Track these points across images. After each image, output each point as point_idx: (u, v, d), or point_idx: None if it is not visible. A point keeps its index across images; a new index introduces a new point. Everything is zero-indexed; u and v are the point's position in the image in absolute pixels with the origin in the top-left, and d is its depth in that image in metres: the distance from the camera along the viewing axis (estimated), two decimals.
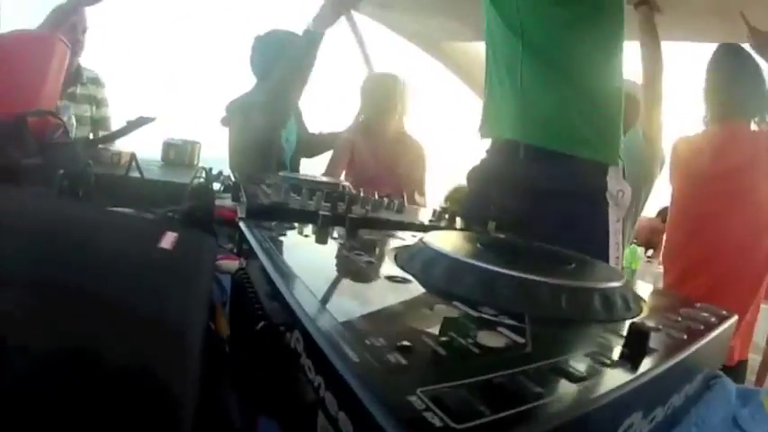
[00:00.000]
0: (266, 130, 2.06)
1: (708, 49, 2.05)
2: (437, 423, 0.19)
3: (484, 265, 0.39)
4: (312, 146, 2.48)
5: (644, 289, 0.52)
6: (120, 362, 0.25)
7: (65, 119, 1.18)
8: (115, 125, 2.52)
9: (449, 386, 0.22)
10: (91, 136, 2.25)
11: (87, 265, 0.35)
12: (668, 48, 1.91)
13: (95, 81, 2.44)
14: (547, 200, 1.16)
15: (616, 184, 1.18)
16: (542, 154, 1.20)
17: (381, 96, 2.34)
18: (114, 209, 0.62)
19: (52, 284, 0.30)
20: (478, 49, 3.58)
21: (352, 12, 3.31)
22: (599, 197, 1.17)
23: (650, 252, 4.11)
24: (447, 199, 3.02)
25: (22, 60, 1.11)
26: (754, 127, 1.87)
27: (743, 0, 2.01)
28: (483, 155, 1.40)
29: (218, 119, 2.23)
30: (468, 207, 1.34)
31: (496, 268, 0.39)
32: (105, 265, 0.36)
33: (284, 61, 1.99)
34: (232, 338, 0.43)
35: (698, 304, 0.49)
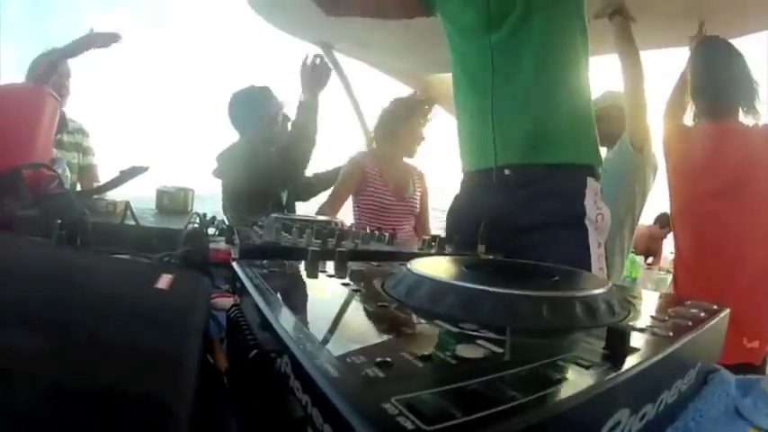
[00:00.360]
0: (262, 181, 2.14)
1: (684, 53, 2.09)
2: (409, 426, 0.20)
3: (463, 284, 0.41)
4: (310, 187, 2.50)
5: (635, 293, 0.53)
6: (123, 389, 0.26)
7: (59, 171, 1.21)
8: (102, 173, 2.59)
9: (422, 393, 0.23)
10: (78, 183, 2.30)
11: (89, 306, 0.37)
12: (646, 56, 1.94)
13: (80, 131, 2.55)
14: (525, 234, 1.18)
15: (594, 209, 1.19)
16: (516, 178, 1.23)
17: (402, 121, 2.35)
18: (112, 255, 0.64)
19: (56, 325, 0.32)
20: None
21: (334, 52, 3.39)
22: (578, 223, 1.18)
23: (650, 259, 4.12)
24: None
25: (13, 114, 1.14)
26: (742, 117, 1.88)
27: (712, 1, 2.08)
28: (458, 189, 1.44)
29: (208, 169, 2.28)
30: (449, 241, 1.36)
31: (475, 286, 0.41)
32: (106, 305, 0.38)
33: (294, 130, 2.17)
34: (230, 371, 0.44)
35: (688, 302, 0.50)
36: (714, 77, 1.91)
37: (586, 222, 1.17)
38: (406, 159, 2.45)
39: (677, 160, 1.97)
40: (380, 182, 2.31)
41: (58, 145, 2.31)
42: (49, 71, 1.90)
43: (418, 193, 2.46)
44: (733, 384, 0.46)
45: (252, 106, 2.26)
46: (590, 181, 1.20)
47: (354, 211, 2.39)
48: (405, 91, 2.56)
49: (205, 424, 0.33)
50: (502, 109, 1.24)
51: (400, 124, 2.35)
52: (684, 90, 2.03)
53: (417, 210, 2.46)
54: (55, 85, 2.05)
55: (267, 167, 2.18)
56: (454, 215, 1.43)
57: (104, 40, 1.93)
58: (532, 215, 1.20)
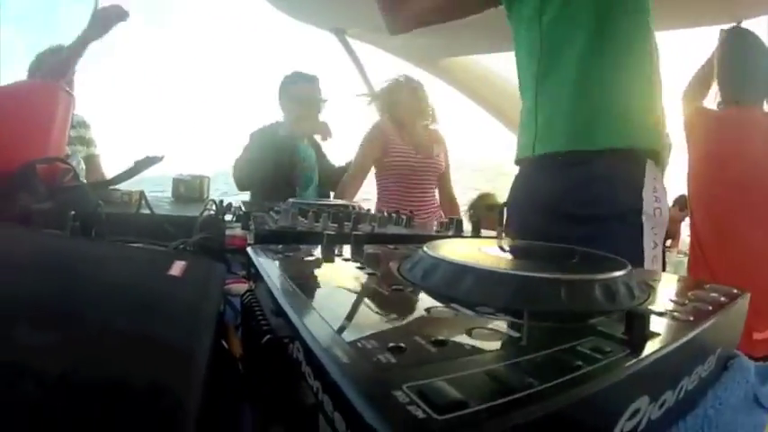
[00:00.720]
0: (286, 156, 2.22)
1: (699, 33, 2.08)
2: (420, 415, 0.20)
3: (480, 266, 0.40)
4: (340, 176, 2.48)
5: (654, 276, 0.52)
6: (132, 380, 0.26)
7: (74, 163, 1.22)
8: (114, 164, 2.65)
9: (435, 380, 0.23)
10: (83, 174, 2.35)
11: (98, 296, 0.37)
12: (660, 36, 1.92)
13: (82, 124, 2.62)
14: (576, 225, 1.09)
15: (652, 201, 1.08)
16: (565, 164, 1.14)
17: (411, 98, 2.34)
18: (126, 244, 0.65)
19: (66, 316, 0.32)
20: (476, 62, 3.63)
21: (348, 38, 3.38)
22: (633, 219, 1.08)
23: (668, 242, 4.08)
24: (471, 206, 3.05)
25: (28, 110, 1.16)
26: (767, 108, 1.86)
27: None
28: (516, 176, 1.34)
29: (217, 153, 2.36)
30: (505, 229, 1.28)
31: (491, 268, 0.40)
32: (116, 294, 0.38)
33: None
34: (245, 356, 0.44)
35: (708, 285, 0.48)
36: (745, 66, 1.88)
37: (643, 218, 1.07)
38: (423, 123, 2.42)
39: (699, 144, 1.94)
40: (402, 144, 2.30)
41: None
42: (68, 65, 1.90)
43: (442, 154, 2.44)
44: (752, 372, 0.45)
45: (292, 91, 2.33)
46: (649, 167, 1.09)
47: (379, 178, 2.39)
48: (419, 75, 2.52)
49: (219, 410, 0.33)
50: (548, 93, 1.18)
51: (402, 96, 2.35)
52: (710, 74, 1.99)
53: (442, 169, 2.45)
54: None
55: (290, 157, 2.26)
56: (509, 205, 1.34)
57: (115, 16, 1.91)
58: (583, 203, 1.10)
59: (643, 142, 1.10)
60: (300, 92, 2.33)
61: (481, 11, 1.39)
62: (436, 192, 2.46)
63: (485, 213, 2.51)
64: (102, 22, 1.89)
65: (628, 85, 1.10)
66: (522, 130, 1.27)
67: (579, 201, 1.11)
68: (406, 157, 2.30)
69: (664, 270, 1.08)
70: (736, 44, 1.93)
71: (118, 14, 1.88)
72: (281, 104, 2.38)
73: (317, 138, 2.50)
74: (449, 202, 2.52)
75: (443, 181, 2.51)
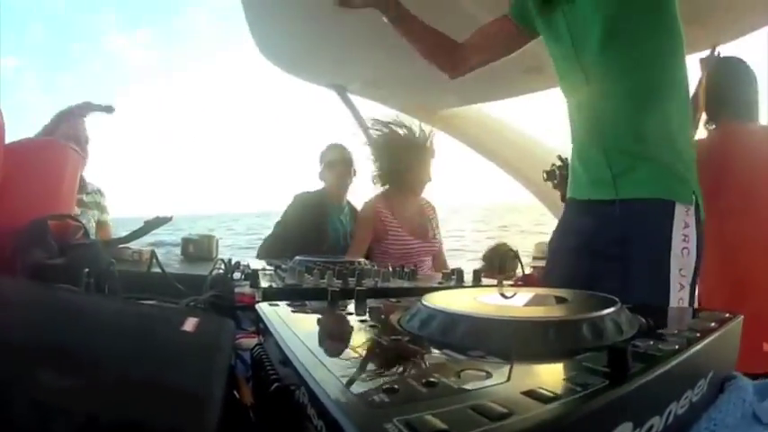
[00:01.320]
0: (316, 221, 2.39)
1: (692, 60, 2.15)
2: None
3: (468, 314, 0.43)
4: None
5: (649, 309, 0.54)
6: (151, 424, 0.29)
7: (84, 222, 1.26)
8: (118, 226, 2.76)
9: (423, 414, 0.26)
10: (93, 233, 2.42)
11: (120, 347, 0.40)
12: None
13: (98, 192, 2.76)
14: (609, 262, 1.14)
15: (680, 241, 1.10)
16: (598, 211, 1.20)
17: (409, 155, 2.40)
18: (140, 301, 0.68)
19: (87, 366, 0.35)
20: (475, 111, 3.70)
21: (348, 94, 3.48)
22: (659, 258, 1.11)
23: None
24: (484, 258, 3.07)
25: (37, 167, 1.19)
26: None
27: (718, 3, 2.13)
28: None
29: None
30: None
31: (479, 314, 0.43)
32: (136, 346, 0.41)
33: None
34: (255, 405, 0.47)
35: (702, 314, 0.51)
36: (729, 83, 1.94)
37: (671, 260, 1.10)
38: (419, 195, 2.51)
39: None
40: (398, 225, 2.37)
41: (79, 204, 2.48)
42: (53, 129, 2.13)
43: (435, 230, 2.51)
44: (750, 390, 0.46)
45: (321, 162, 2.55)
46: (678, 209, 1.12)
47: (378, 256, 2.41)
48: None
49: None
50: (585, 143, 1.25)
51: (403, 166, 2.40)
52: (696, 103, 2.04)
53: (437, 249, 2.51)
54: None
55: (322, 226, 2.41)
56: (551, 244, 1.43)
57: (99, 109, 2.21)
58: (611, 243, 1.16)
59: (671, 194, 1.13)
60: (333, 160, 2.53)
61: (521, 47, 1.49)
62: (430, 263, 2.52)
63: (498, 263, 2.53)
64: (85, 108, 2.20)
65: (662, 135, 1.15)
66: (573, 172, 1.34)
67: (608, 238, 1.15)
68: (403, 241, 2.37)
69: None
70: (720, 66, 1.99)
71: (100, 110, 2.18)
72: (320, 174, 2.57)
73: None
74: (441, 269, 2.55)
75: (438, 255, 2.56)
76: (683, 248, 1.10)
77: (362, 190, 2.65)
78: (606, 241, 1.17)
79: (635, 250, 1.12)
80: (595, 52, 1.16)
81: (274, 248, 2.27)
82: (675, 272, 1.09)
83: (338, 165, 2.53)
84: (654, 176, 1.13)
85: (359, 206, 2.63)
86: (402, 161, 2.38)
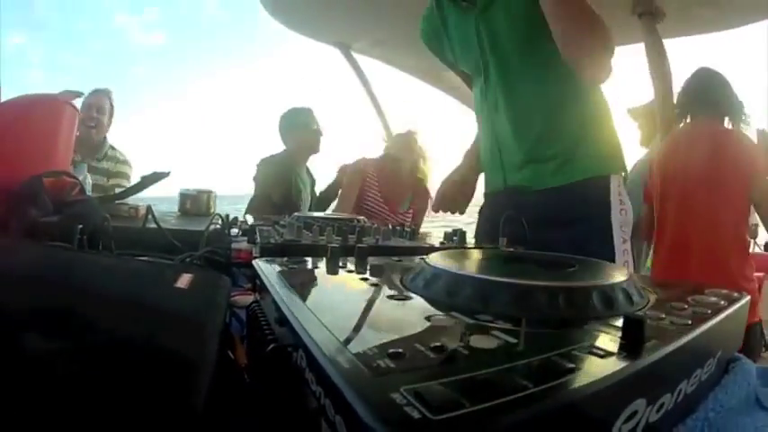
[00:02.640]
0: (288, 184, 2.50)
1: (700, 41, 2.38)
2: (415, 415, 0.21)
3: (478, 276, 0.41)
4: (324, 199, 2.84)
5: (657, 282, 0.52)
6: (142, 387, 0.27)
7: (80, 178, 1.23)
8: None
9: (432, 383, 0.24)
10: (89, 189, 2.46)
11: (109, 307, 0.38)
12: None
13: (115, 157, 2.84)
14: (555, 230, 1.19)
15: (618, 204, 1.23)
16: (530, 200, 1.28)
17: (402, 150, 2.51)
18: (133, 258, 0.66)
19: (73, 326, 0.33)
20: None
21: (352, 52, 3.46)
22: (603, 221, 1.23)
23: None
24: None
25: (32, 123, 1.16)
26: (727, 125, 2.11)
27: None
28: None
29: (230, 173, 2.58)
30: (479, 237, 1.46)
31: (490, 277, 0.41)
32: (125, 305, 0.39)
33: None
34: (250, 366, 0.45)
35: (708, 290, 0.49)
36: (699, 85, 2.19)
37: (611, 219, 1.22)
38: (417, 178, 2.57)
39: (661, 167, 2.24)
40: (377, 191, 2.47)
41: (92, 171, 2.56)
42: None
43: (411, 212, 2.60)
44: (754, 373, 0.45)
45: (293, 124, 2.64)
46: (612, 181, 1.24)
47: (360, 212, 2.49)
48: (423, 88, 2.62)
49: (225, 418, 0.34)
50: (503, 136, 1.33)
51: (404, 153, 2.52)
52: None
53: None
54: (85, 115, 2.51)
55: (294, 185, 2.53)
56: (485, 215, 1.50)
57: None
58: (560, 212, 1.24)
59: (600, 170, 1.26)
60: (297, 125, 2.64)
61: None
62: None
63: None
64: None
65: (581, 127, 1.26)
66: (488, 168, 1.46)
67: (557, 208, 1.25)
68: (374, 205, 2.48)
69: (635, 263, 1.36)
70: (698, 73, 2.21)
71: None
72: (282, 137, 2.68)
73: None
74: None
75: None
76: (621, 209, 1.23)
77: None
78: (552, 213, 1.25)
79: (579, 217, 1.24)
80: (510, 63, 1.27)
81: (257, 210, 2.35)
82: (618, 230, 1.22)
83: (307, 127, 2.65)
84: (577, 162, 1.26)
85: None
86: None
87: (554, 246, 1.08)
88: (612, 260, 1.18)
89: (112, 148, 2.85)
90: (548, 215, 1.22)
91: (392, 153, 2.53)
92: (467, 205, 1.50)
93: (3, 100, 1.05)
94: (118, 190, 2.73)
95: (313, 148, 2.70)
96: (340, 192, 2.59)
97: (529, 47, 1.22)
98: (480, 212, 1.53)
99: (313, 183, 2.83)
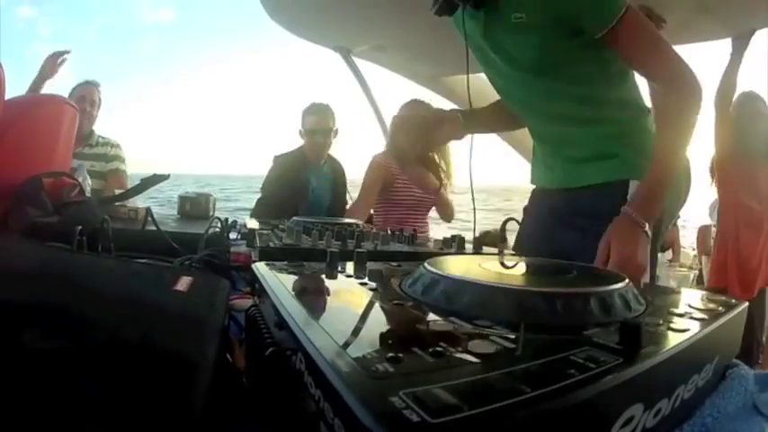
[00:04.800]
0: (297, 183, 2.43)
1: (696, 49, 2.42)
2: (414, 419, 0.21)
3: (477, 281, 0.41)
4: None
5: (653, 289, 0.52)
6: (139, 389, 0.27)
7: (80, 179, 1.23)
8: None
9: (431, 387, 0.24)
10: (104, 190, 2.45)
11: (108, 308, 0.38)
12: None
13: (107, 143, 2.83)
14: (570, 231, 1.19)
15: None
16: (556, 200, 1.27)
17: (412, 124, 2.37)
18: (132, 260, 0.66)
19: (76, 324, 0.33)
20: (479, 79, 3.65)
21: (353, 57, 3.44)
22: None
23: (668, 254, 4.14)
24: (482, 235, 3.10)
25: (33, 123, 1.16)
26: None
27: None
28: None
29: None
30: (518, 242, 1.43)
31: (489, 282, 0.41)
32: (124, 307, 0.39)
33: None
34: (248, 369, 0.45)
35: (706, 297, 0.49)
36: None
37: None
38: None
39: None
40: (405, 179, 2.39)
41: (78, 156, 2.55)
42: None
43: (450, 175, 2.50)
44: (751, 379, 0.46)
45: (306, 119, 2.53)
46: (631, 186, 1.16)
47: (381, 205, 2.47)
48: (424, 95, 2.57)
49: (223, 421, 0.34)
50: (541, 138, 1.31)
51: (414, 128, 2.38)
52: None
53: (436, 204, 2.51)
54: (81, 109, 2.43)
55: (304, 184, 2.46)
56: (526, 218, 1.45)
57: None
58: (575, 212, 1.22)
59: (617, 175, 1.18)
60: (312, 122, 2.52)
61: None
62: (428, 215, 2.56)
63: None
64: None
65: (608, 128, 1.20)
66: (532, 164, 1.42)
67: (572, 211, 1.22)
68: (408, 192, 2.41)
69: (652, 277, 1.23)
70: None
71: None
72: (300, 133, 2.56)
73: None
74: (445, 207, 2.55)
75: (446, 205, 2.54)
76: None
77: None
78: (571, 213, 1.23)
79: (593, 222, 1.15)
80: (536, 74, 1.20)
81: (263, 211, 2.29)
82: None
83: (317, 128, 2.53)
84: (597, 165, 1.21)
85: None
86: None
87: (570, 247, 1.10)
88: None
89: (101, 137, 2.85)
90: (565, 213, 1.22)
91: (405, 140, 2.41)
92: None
93: (11, 75, 1.04)
94: (118, 172, 2.75)
95: (320, 147, 2.56)
96: (362, 185, 2.49)
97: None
98: (524, 209, 1.47)
99: (337, 180, 2.68)
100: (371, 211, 2.51)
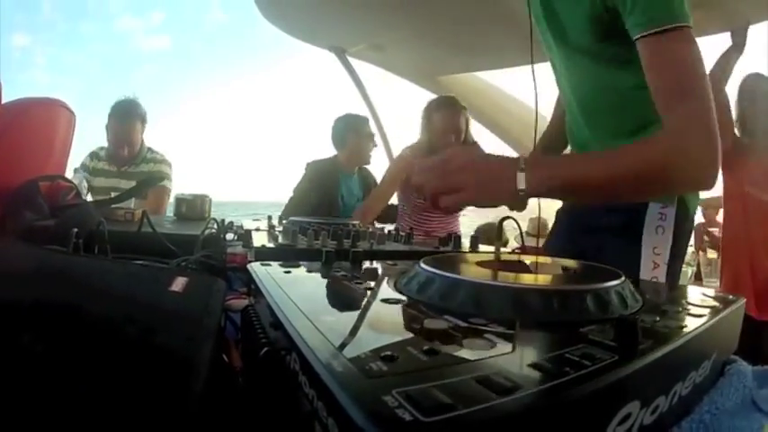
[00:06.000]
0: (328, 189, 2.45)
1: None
2: (407, 418, 0.21)
3: (471, 279, 0.41)
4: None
5: (651, 286, 0.52)
6: (137, 389, 0.27)
7: (76, 183, 1.23)
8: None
9: (424, 386, 0.24)
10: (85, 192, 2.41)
11: (103, 309, 0.38)
12: None
13: (153, 160, 2.74)
14: (586, 236, 1.18)
15: (655, 220, 1.10)
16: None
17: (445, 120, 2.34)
18: (128, 261, 0.65)
19: (72, 326, 0.33)
20: (473, 78, 3.66)
21: (348, 57, 3.43)
22: (632, 236, 1.11)
23: None
24: (477, 230, 3.11)
25: (29, 127, 1.16)
26: None
27: None
28: None
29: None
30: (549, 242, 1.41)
31: (483, 280, 0.41)
32: (120, 308, 0.39)
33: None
34: (244, 369, 0.45)
35: (703, 293, 0.49)
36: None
37: (643, 236, 1.10)
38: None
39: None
40: None
41: (120, 175, 2.61)
42: None
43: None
44: (750, 376, 0.45)
45: (347, 129, 2.54)
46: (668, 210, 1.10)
47: (404, 203, 2.46)
48: (419, 93, 2.57)
49: (219, 421, 0.34)
50: (574, 133, 1.25)
51: (428, 119, 2.37)
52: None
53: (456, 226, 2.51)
54: (119, 147, 2.63)
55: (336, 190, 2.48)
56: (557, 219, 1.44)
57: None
58: (594, 216, 1.19)
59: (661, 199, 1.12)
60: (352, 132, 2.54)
61: None
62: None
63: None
64: None
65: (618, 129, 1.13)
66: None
67: (591, 215, 1.18)
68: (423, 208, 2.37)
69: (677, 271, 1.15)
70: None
71: None
72: (334, 141, 2.57)
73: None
74: None
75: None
76: (658, 227, 1.09)
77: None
78: (593, 215, 1.20)
79: (613, 225, 1.14)
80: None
81: (293, 212, 2.29)
82: (648, 250, 1.09)
83: (365, 137, 2.56)
84: None
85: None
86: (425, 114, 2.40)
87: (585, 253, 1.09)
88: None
89: (151, 150, 2.75)
90: (585, 217, 1.20)
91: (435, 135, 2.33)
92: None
93: (5, 101, 1.04)
94: (162, 189, 2.71)
95: (363, 157, 2.61)
96: (382, 177, 2.48)
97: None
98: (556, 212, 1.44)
99: (367, 189, 2.67)
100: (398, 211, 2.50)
